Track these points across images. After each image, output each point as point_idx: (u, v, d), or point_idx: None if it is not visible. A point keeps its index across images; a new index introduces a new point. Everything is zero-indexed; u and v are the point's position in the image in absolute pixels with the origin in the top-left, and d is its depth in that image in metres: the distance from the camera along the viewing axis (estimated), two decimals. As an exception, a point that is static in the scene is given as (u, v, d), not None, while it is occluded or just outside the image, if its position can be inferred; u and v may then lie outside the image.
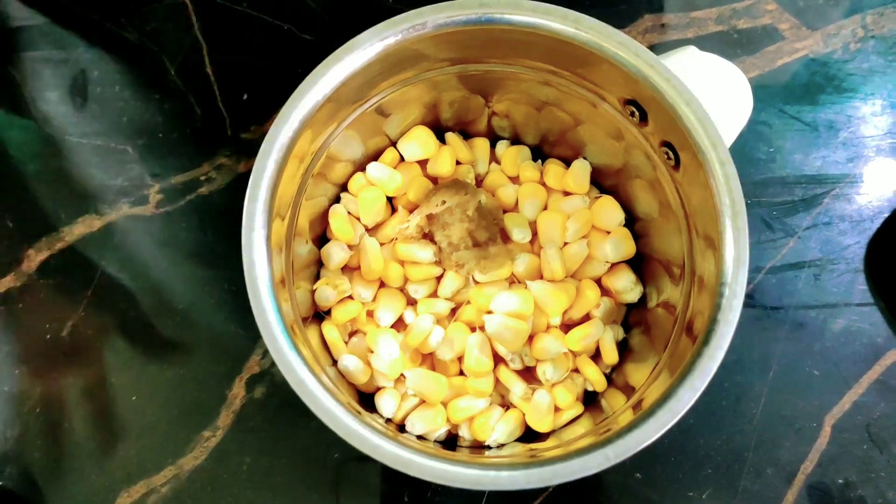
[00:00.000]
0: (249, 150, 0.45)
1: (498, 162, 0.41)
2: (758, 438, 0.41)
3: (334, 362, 0.37)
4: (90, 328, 0.43)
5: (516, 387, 0.37)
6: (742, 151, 0.45)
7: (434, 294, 0.38)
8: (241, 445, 0.41)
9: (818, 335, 0.42)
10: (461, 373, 0.38)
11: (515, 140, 0.42)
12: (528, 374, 0.38)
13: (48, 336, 0.43)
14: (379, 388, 0.38)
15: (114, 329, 0.43)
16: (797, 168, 0.45)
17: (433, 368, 0.38)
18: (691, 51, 0.36)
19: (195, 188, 0.45)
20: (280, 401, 0.42)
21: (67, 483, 0.41)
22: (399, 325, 0.38)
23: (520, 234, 0.39)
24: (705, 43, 0.46)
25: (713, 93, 0.35)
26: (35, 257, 0.44)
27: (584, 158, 0.40)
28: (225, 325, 0.43)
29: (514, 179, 0.41)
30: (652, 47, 0.46)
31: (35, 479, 0.41)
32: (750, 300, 0.43)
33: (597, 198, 0.39)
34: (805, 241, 0.43)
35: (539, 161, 0.41)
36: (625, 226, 0.39)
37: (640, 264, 0.39)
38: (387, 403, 0.37)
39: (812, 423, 0.41)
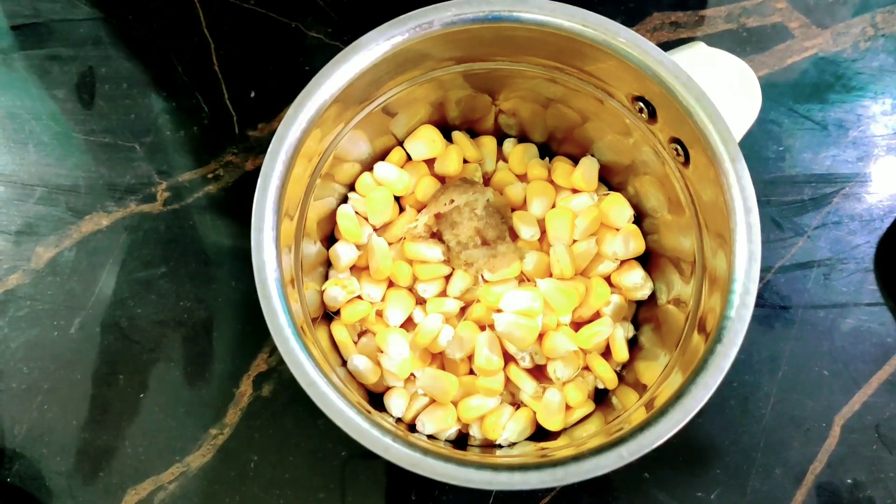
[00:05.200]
0: (257, 148, 0.45)
1: (505, 160, 0.41)
2: (767, 438, 0.41)
3: (344, 362, 0.37)
4: (98, 325, 0.43)
5: (527, 385, 0.37)
6: (751, 150, 0.44)
7: (443, 293, 0.38)
8: (249, 443, 0.41)
9: (827, 335, 0.42)
10: (471, 372, 0.38)
11: (522, 138, 0.42)
12: (538, 372, 0.38)
13: (56, 333, 0.43)
14: (389, 388, 0.38)
15: (121, 326, 0.43)
16: (807, 167, 0.44)
17: (443, 368, 0.38)
18: (700, 47, 0.36)
19: (203, 186, 0.44)
20: (288, 399, 0.42)
21: (75, 480, 0.41)
22: (408, 324, 0.38)
23: (528, 233, 0.38)
24: (715, 41, 0.46)
25: (722, 89, 0.35)
26: (43, 255, 0.44)
27: (592, 155, 0.40)
28: (232, 323, 0.43)
29: (522, 177, 0.41)
30: (661, 45, 0.45)
31: (42, 477, 0.41)
32: (759, 299, 0.42)
33: (605, 195, 0.39)
34: (814, 241, 0.43)
35: (546, 159, 0.41)
36: (633, 223, 0.39)
37: (650, 261, 0.39)
38: (397, 403, 0.37)
39: (821, 424, 0.41)
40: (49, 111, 0.46)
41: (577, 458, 0.28)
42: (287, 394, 0.42)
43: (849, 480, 0.41)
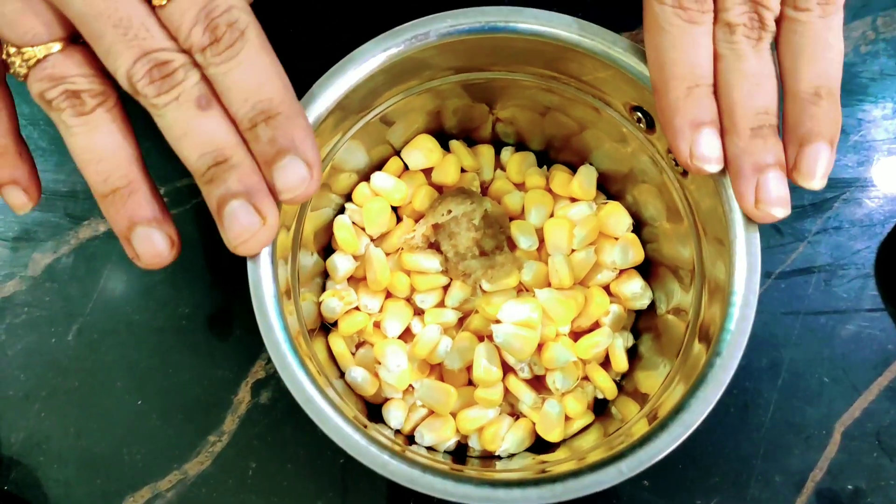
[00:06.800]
0: (254, 155, 0.45)
1: (503, 169, 0.41)
2: (766, 446, 0.41)
3: (341, 374, 0.37)
4: (95, 332, 0.43)
5: (526, 396, 0.37)
6: (751, 155, 0.44)
7: (441, 304, 0.38)
8: (247, 450, 0.41)
9: (828, 341, 0.42)
10: (470, 383, 0.38)
11: (520, 146, 0.42)
12: (537, 383, 0.38)
13: (54, 340, 0.42)
14: (387, 400, 0.38)
15: (119, 333, 0.43)
16: (807, 172, 0.44)
17: (441, 379, 0.38)
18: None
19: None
20: (286, 405, 0.42)
21: (73, 488, 0.41)
22: (406, 335, 0.38)
23: (526, 242, 0.38)
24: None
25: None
26: (40, 261, 0.44)
27: (590, 164, 0.40)
28: (230, 329, 0.43)
29: (520, 186, 0.40)
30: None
31: (40, 484, 0.41)
32: (759, 306, 0.42)
33: (604, 204, 0.39)
34: (815, 246, 0.43)
35: (544, 167, 0.41)
36: (632, 231, 0.39)
37: (649, 270, 0.39)
38: (395, 415, 0.37)
39: (822, 431, 0.41)
40: (46, 116, 0.45)
41: (576, 474, 0.28)
42: (285, 401, 0.42)
43: (849, 487, 0.41)
